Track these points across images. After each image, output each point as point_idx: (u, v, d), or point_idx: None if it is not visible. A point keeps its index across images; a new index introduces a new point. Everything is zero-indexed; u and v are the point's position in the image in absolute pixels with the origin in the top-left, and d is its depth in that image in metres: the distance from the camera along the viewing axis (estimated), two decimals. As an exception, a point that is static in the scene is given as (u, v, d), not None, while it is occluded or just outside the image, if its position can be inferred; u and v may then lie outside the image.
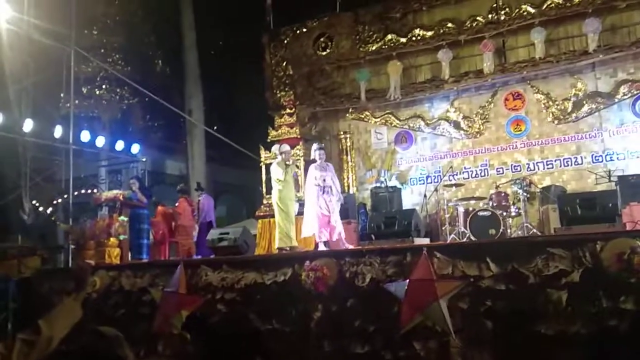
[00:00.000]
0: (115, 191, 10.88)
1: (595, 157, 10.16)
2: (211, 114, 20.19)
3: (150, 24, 19.93)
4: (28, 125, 11.91)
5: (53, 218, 16.21)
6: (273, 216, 10.32)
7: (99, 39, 17.85)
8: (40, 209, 16.41)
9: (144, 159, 15.36)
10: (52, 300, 7.50)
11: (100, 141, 13.62)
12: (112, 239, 9.02)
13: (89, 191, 14.45)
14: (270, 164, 10.72)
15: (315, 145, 9.05)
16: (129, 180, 11.02)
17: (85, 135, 13.00)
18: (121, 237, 9.19)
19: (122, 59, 18.35)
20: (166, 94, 16.89)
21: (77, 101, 15.42)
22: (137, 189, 10.34)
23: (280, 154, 8.75)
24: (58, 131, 12.35)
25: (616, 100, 10.06)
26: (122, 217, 9.41)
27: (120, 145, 14.09)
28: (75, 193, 12.79)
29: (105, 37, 18.14)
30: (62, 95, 15.19)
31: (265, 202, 10.76)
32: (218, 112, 21.30)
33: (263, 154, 10.96)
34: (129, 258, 9.49)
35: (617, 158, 9.99)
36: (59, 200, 14.65)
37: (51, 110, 14.49)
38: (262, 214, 10.66)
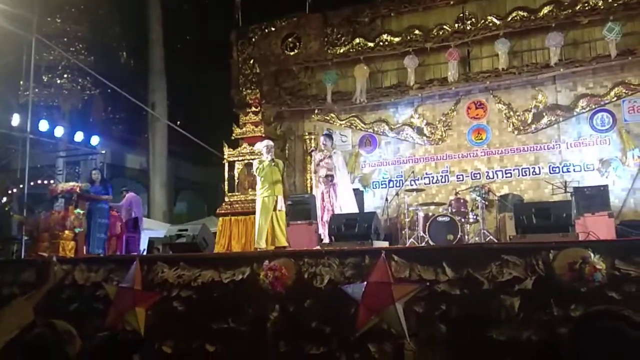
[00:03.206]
0: (72, 183, 10.66)
1: (553, 168, 10.39)
2: (175, 108, 19.99)
3: (116, 15, 19.62)
4: (-16, 112, 11.58)
5: (7, 208, 15.78)
6: (234, 214, 10.29)
7: (62, 27, 17.50)
8: (-6, 198, 15.98)
9: (103, 151, 15.09)
10: (1, 292, 7.29)
11: (59, 131, 13.34)
12: (67, 231, 8.83)
13: (45, 182, 14.10)
14: (234, 161, 10.69)
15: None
16: (92, 170, 10.77)
17: (43, 125, 12.71)
18: (77, 230, 8.99)
19: (85, 48, 18.02)
20: (129, 86, 16.68)
21: (36, 89, 15.10)
22: (98, 180, 10.16)
23: (268, 150, 8.45)
24: (15, 119, 12.06)
25: (575, 113, 10.32)
26: (78, 210, 9.22)
27: (79, 136, 13.81)
28: (31, 183, 12.50)
29: (69, 26, 17.79)
30: (21, 82, 14.83)
31: (227, 199, 10.68)
32: (182, 107, 21.11)
33: (226, 151, 10.87)
34: (85, 252, 9.31)
35: (574, 170, 10.23)
36: (14, 190, 14.30)
37: (9, 97, 14.12)
38: (223, 211, 10.57)
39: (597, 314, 1.88)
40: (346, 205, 8.50)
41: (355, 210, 8.56)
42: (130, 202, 11.61)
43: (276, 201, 8.23)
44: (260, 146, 8.59)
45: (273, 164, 8.31)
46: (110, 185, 10.67)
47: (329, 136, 8.99)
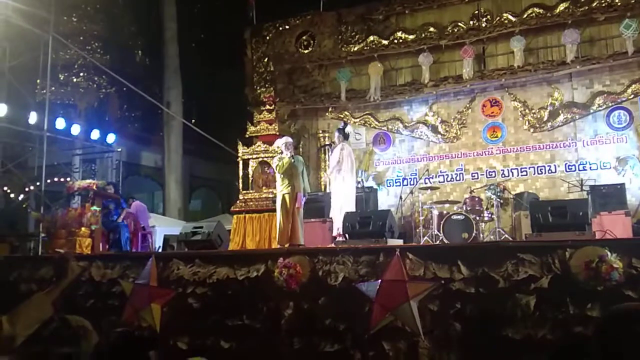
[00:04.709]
0: (88, 180, 10.77)
1: (569, 166, 10.31)
2: (190, 106, 20.09)
3: (131, 13, 19.75)
4: (2, 110, 11.70)
5: (24, 205, 15.98)
6: (248, 212, 10.32)
7: (79, 26, 17.63)
8: (12, 195, 16.16)
9: (119, 149, 15.21)
10: (19, 288, 7.38)
11: (76, 129, 13.45)
12: (83, 228, 8.90)
13: (62, 180, 14.22)
14: (248, 159, 10.73)
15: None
16: (105, 185, 10.94)
17: (60, 123, 12.82)
18: (93, 227, 9.07)
19: (101, 47, 18.14)
20: (145, 84, 16.82)
21: (53, 88, 15.22)
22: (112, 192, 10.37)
23: (287, 147, 8.34)
24: (33, 117, 12.16)
25: (591, 111, 10.22)
26: (94, 207, 9.29)
27: (95, 134, 13.93)
28: (48, 181, 12.63)
29: (85, 25, 17.92)
30: (38, 81, 14.98)
31: (241, 197, 10.72)
32: (197, 106, 21.21)
33: (241, 149, 10.91)
34: (103, 249, 9.40)
35: (590, 168, 10.14)
36: (31, 188, 14.43)
37: (26, 96, 14.24)
38: (237, 209, 10.61)
39: (627, 314, 1.82)
40: (343, 201, 8.43)
41: (351, 209, 8.47)
42: (137, 211, 11.73)
43: (295, 198, 8.17)
44: (280, 143, 8.54)
45: (293, 160, 8.24)
46: (123, 199, 10.86)
47: (338, 130, 8.95)
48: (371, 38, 11.52)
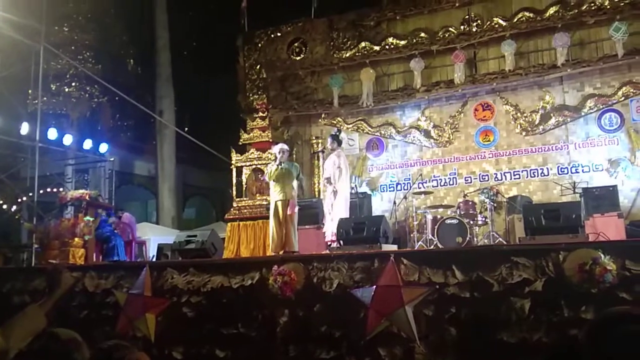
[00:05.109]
0: (81, 191, 10.73)
1: (561, 169, 10.35)
2: (182, 115, 20.08)
3: (123, 22, 19.74)
4: (-7, 121, 11.66)
5: (17, 217, 15.89)
6: (242, 220, 10.29)
7: (70, 36, 17.58)
8: (4, 207, 16.08)
9: (112, 159, 15.15)
10: (12, 300, 7.33)
11: (68, 139, 13.40)
12: (76, 239, 8.86)
13: (55, 190, 14.16)
14: (242, 167, 10.70)
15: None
16: (98, 195, 10.95)
17: (52, 133, 12.78)
18: (86, 237, 9.04)
19: (93, 56, 18.08)
20: (137, 93, 16.81)
21: (45, 98, 15.18)
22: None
23: (281, 153, 8.10)
24: (25, 128, 12.12)
25: (583, 113, 10.27)
26: (87, 217, 9.26)
27: (88, 144, 13.88)
28: (41, 192, 12.57)
29: (77, 34, 17.88)
30: (30, 91, 14.93)
31: (235, 205, 10.69)
32: (189, 114, 21.19)
33: (234, 156, 10.88)
34: (97, 260, 9.37)
35: (582, 170, 10.19)
36: (24, 199, 14.36)
37: (18, 106, 14.19)
38: (231, 217, 10.58)
39: (618, 317, 1.83)
40: (338, 208, 8.40)
41: (344, 215, 8.41)
42: (129, 222, 11.72)
43: (287, 205, 8.06)
44: (275, 150, 8.42)
45: (285, 167, 8.09)
46: (112, 210, 10.87)
47: (332, 136, 8.88)
48: (363, 44, 11.57)
